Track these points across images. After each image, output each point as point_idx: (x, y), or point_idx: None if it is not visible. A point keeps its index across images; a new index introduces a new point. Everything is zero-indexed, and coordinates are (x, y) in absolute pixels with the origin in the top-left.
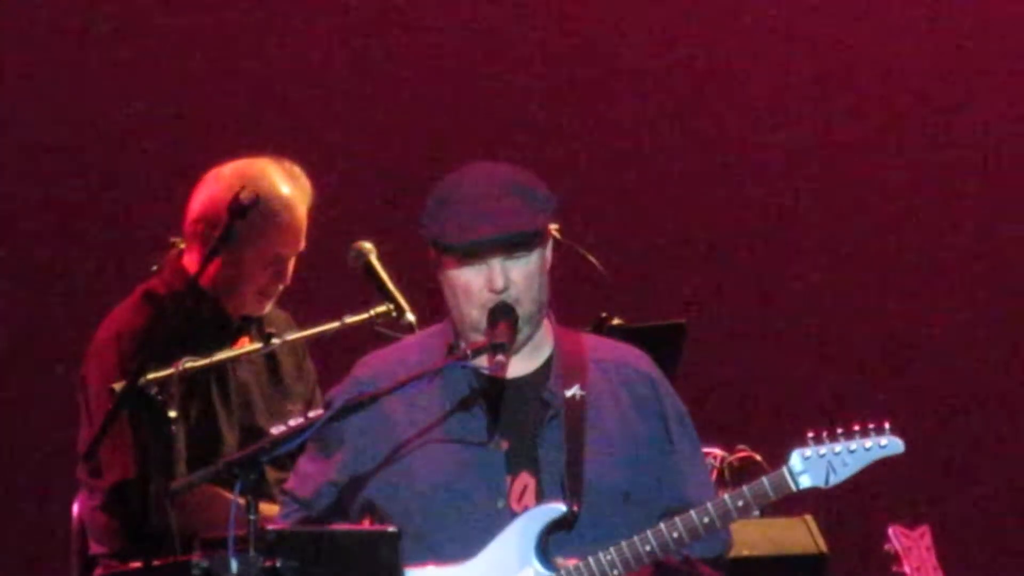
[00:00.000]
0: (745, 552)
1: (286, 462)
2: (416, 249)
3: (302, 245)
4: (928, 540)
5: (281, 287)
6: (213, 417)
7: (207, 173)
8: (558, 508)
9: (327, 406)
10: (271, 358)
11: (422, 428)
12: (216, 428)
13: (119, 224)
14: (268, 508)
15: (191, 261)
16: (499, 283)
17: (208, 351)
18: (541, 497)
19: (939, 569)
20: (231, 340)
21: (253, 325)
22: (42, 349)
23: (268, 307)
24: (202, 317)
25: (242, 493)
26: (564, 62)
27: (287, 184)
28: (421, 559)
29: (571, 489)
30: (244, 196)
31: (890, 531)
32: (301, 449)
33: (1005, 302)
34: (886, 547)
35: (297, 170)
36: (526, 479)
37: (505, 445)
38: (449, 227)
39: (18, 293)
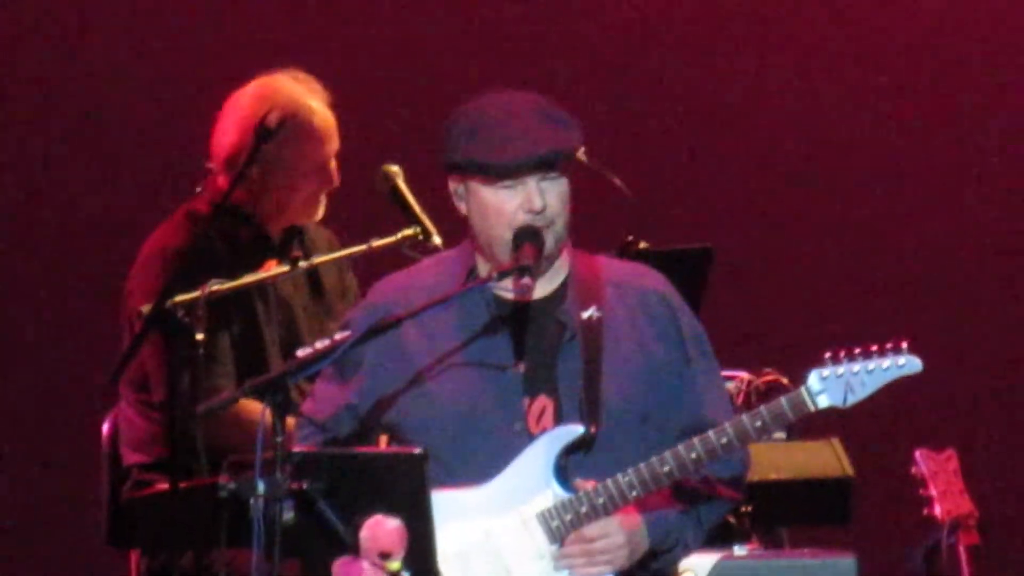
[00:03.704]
0: (772, 475)
1: None
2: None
3: (337, 143)
4: (955, 463)
5: (329, 189)
6: (259, 334)
7: (225, 103)
8: (576, 429)
9: (344, 328)
10: (313, 276)
11: (439, 352)
12: (261, 345)
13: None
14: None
15: (227, 184)
16: (538, 203)
17: (249, 272)
18: (559, 419)
19: (965, 493)
20: (268, 259)
21: (295, 242)
22: (73, 271)
23: (321, 210)
24: (241, 238)
25: (269, 415)
26: None
27: (306, 92)
28: (439, 482)
29: (589, 410)
30: (270, 119)
31: (916, 454)
32: None
33: None
34: (912, 470)
35: (304, 75)
36: (544, 401)
37: (522, 368)
38: (486, 148)
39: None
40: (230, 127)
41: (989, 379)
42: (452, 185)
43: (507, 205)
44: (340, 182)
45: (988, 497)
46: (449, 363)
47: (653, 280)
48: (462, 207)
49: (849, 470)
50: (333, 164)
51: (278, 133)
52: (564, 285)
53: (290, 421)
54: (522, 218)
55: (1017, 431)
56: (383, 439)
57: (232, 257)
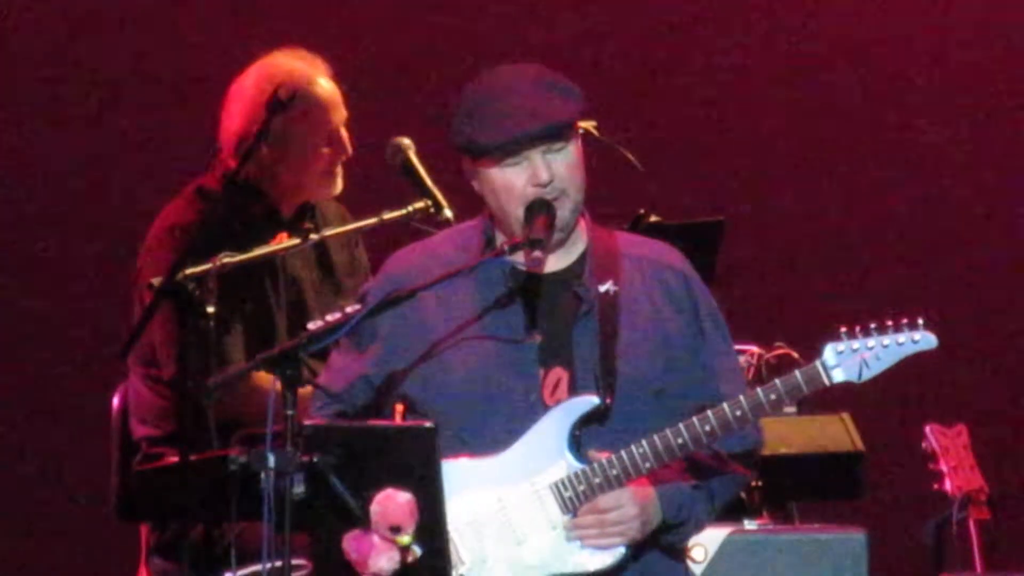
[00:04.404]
0: (782, 449)
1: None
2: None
3: (344, 112)
4: (965, 438)
5: (344, 158)
6: (268, 312)
7: (228, 90)
8: (591, 400)
9: (361, 301)
10: (322, 252)
11: (456, 323)
12: (271, 323)
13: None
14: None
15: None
16: (544, 176)
17: (260, 247)
18: (574, 391)
19: (976, 468)
20: (279, 233)
21: (307, 216)
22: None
23: (339, 184)
24: (252, 214)
25: (280, 388)
26: None
27: (307, 66)
28: (454, 452)
29: (604, 382)
30: (282, 93)
31: (927, 429)
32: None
33: None
34: (923, 445)
35: (303, 51)
36: (559, 373)
37: (538, 339)
38: (485, 129)
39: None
40: (236, 112)
41: (1000, 354)
42: (464, 166)
43: (515, 182)
44: (353, 152)
45: (998, 472)
46: (465, 334)
47: (671, 256)
48: (476, 186)
49: (860, 445)
50: (344, 132)
51: (290, 106)
52: (582, 258)
53: (303, 392)
54: (531, 192)
55: None
56: (399, 410)
57: (243, 232)
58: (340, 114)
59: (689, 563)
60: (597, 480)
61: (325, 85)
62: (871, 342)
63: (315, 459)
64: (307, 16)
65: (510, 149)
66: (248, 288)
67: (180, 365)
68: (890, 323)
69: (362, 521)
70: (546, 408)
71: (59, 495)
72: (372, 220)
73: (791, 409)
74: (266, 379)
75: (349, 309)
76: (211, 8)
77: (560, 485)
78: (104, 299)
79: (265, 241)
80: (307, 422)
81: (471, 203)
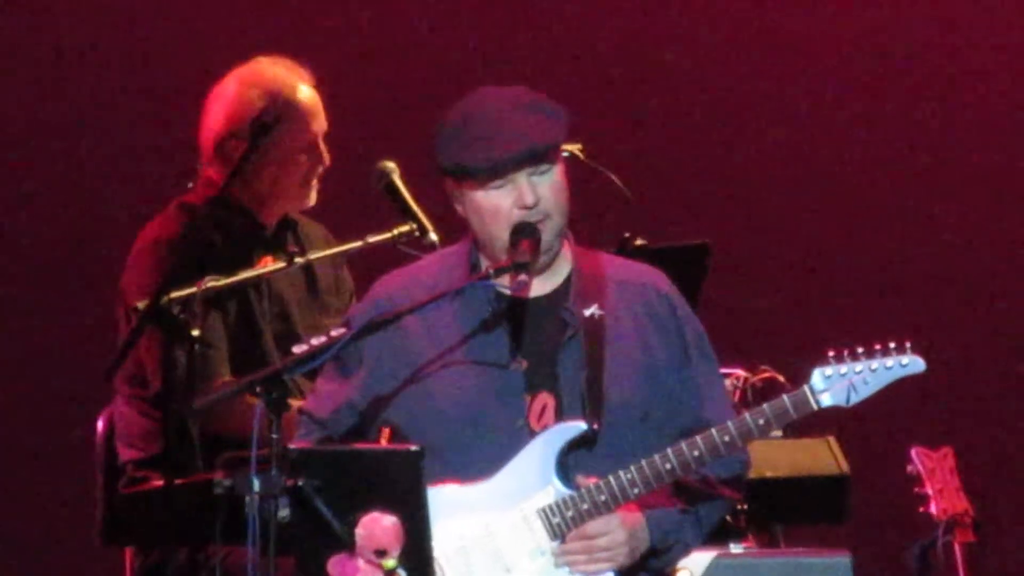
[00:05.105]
0: (768, 473)
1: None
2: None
3: (325, 122)
4: (951, 461)
5: (322, 169)
6: (254, 325)
7: (209, 94)
8: (578, 426)
9: (345, 325)
10: (308, 271)
11: (441, 348)
12: (257, 336)
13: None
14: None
15: (219, 174)
16: (530, 199)
17: (244, 263)
18: (560, 416)
19: (962, 491)
20: (265, 251)
21: (290, 236)
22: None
23: (314, 196)
24: (235, 230)
25: (265, 411)
26: None
27: (289, 73)
28: (441, 478)
29: (591, 408)
30: (266, 116)
31: (913, 452)
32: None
33: None
34: (908, 468)
35: (285, 59)
36: (545, 398)
37: (524, 365)
38: (471, 151)
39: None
40: (217, 115)
41: (986, 377)
42: (447, 188)
43: (501, 205)
44: (331, 166)
45: (984, 495)
46: (451, 359)
47: (656, 279)
48: (459, 208)
49: (845, 468)
50: (322, 143)
51: (274, 127)
52: (567, 282)
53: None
54: (517, 215)
55: (1013, 429)
56: (384, 434)
57: (226, 248)
58: (320, 124)
59: None
60: (585, 506)
61: (307, 93)
62: (859, 366)
63: (300, 482)
64: (293, 36)
65: (496, 172)
66: (233, 301)
67: (166, 382)
68: (878, 347)
69: (347, 544)
70: (533, 434)
71: (43, 520)
72: (356, 243)
73: (776, 432)
74: (252, 398)
75: (334, 333)
76: (196, 28)
77: (548, 511)
78: (88, 319)
79: (249, 256)
80: (292, 445)
81: (457, 226)
